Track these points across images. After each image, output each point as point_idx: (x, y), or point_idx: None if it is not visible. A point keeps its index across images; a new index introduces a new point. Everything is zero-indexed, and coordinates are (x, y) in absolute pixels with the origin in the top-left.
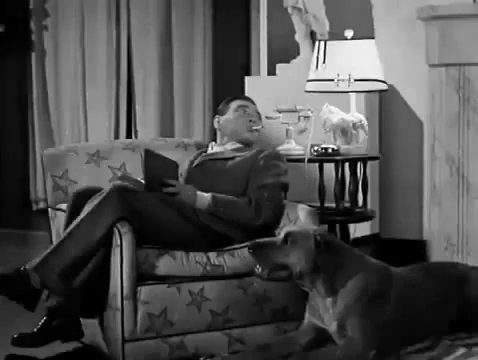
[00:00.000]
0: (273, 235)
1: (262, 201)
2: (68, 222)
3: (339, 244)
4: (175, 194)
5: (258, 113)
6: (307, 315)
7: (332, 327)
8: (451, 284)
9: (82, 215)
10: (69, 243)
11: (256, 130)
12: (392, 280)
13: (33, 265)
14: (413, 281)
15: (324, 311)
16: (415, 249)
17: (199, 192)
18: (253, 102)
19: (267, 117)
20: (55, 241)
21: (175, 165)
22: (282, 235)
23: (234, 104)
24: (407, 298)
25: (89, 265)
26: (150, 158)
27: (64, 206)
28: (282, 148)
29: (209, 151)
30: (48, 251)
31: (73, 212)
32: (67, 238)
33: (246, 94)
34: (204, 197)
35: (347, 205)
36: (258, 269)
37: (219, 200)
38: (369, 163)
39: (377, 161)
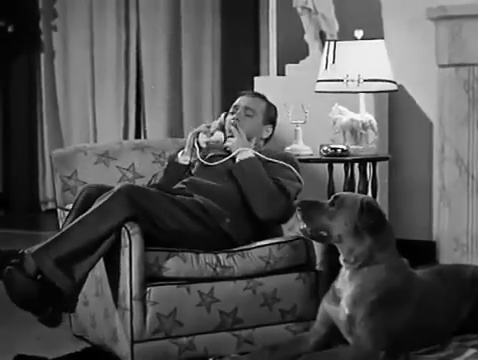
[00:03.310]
0: (279, 232)
1: (279, 195)
2: (71, 216)
3: (383, 220)
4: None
5: (252, 109)
6: (322, 306)
7: (342, 315)
8: (465, 286)
9: (89, 210)
10: (71, 233)
11: (235, 124)
12: (413, 283)
13: (32, 251)
14: (430, 285)
15: (344, 289)
16: (424, 250)
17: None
18: (256, 95)
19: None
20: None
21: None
22: (332, 198)
23: (235, 101)
24: (425, 302)
25: (89, 260)
26: None
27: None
28: (290, 148)
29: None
30: (49, 240)
31: (80, 208)
32: (70, 229)
33: None
34: (247, 152)
35: None
36: (302, 225)
37: (257, 162)
38: (378, 163)
39: (386, 161)
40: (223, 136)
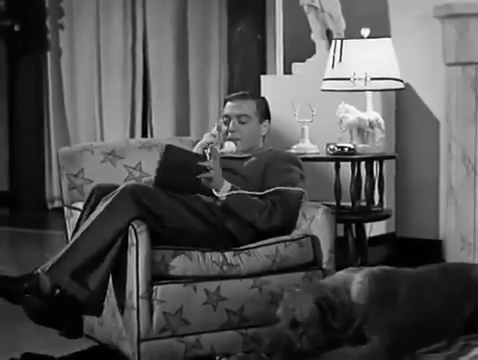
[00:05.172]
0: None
1: (274, 209)
2: (85, 214)
3: (339, 301)
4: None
5: (245, 114)
6: None
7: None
8: (469, 285)
9: (95, 215)
10: (81, 244)
11: (235, 140)
12: (398, 279)
13: (45, 269)
14: (427, 281)
15: None
16: (431, 248)
17: (225, 181)
18: (243, 97)
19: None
20: (68, 242)
21: (198, 159)
22: (287, 321)
23: (224, 110)
24: (420, 297)
25: (104, 265)
26: (169, 156)
27: (80, 205)
28: (297, 147)
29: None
30: (60, 254)
31: (93, 207)
32: (79, 239)
33: (262, 93)
34: (226, 186)
35: (363, 204)
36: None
37: (234, 196)
38: (385, 162)
39: (393, 160)
40: (233, 145)
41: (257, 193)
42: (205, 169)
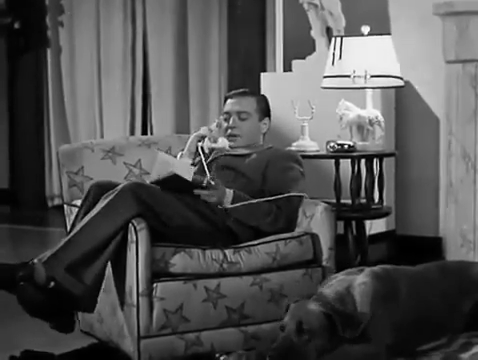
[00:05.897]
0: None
1: (280, 213)
2: (82, 211)
3: (349, 312)
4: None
5: (245, 111)
6: None
7: None
8: (468, 283)
9: (95, 211)
10: (79, 238)
11: (234, 137)
12: (399, 277)
13: (42, 259)
14: (427, 279)
15: None
16: (431, 246)
17: (227, 189)
18: (244, 94)
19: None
20: (67, 236)
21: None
22: (293, 327)
23: (224, 107)
24: (420, 295)
25: (100, 261)
26: (169, 181)
27: (80, 202)
28: (297, 145)
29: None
30: (58, 246)
31: (91, 205)
32: (78, 233)
33: (262, 91)
34: (229, 194)
35: (363, 201)
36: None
37: (239, 202)
38: (385, 159)
39: (393, 157)
40: (227, 142)
41: (263, 199)
42: (207, 186)
